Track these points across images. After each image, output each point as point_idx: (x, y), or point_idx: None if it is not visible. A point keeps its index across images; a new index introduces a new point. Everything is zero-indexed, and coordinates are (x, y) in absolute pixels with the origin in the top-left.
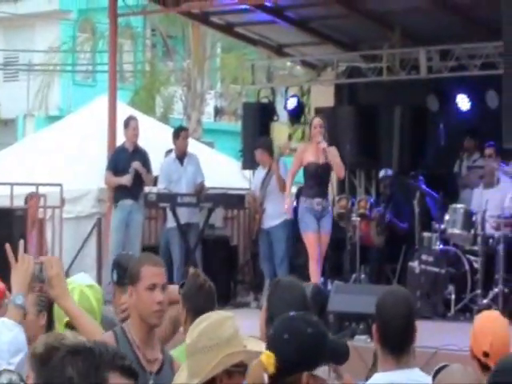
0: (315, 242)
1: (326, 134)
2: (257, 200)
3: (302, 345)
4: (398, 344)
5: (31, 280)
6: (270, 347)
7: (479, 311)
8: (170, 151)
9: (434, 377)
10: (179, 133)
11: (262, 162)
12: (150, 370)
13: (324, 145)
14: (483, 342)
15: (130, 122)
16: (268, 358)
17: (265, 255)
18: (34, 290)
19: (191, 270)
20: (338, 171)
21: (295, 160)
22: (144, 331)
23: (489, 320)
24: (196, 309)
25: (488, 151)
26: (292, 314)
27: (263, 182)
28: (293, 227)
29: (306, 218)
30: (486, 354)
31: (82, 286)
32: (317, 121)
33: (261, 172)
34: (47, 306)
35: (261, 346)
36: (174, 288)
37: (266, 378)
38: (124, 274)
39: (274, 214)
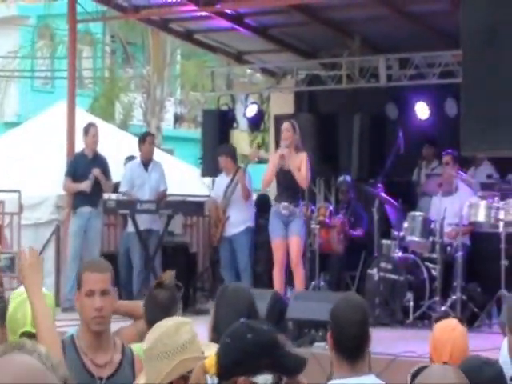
0: (279, 247)
1: (296, 140)
2: (219, 207)
3: (241, 350)
4: (352, 350)
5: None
6: (217, 351)
7: (437, 318)
8: (130, 158)
9: (412, 380)
10: (145, 138)
11: (225, 169)
12: (99, 375)
13: (283, 151)
14: (443, 351)
15: (89, 128)
16: (210, 361)
17: (226, 263)
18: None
19: (166, 273)
20: (299, 180)
21: (269, 166)
22: (91, 336)
23: (448, 329)
24: (152, 320)
25: (446, 159)
26: (243, 320)
27: (226, 189)
28: (254, 235)
29: (273, 223)
30: (445, 364)
31: None
32: (284, 126)
33: (224, 179)
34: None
35: None
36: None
37: (208, 379)
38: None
39: (237, 222)
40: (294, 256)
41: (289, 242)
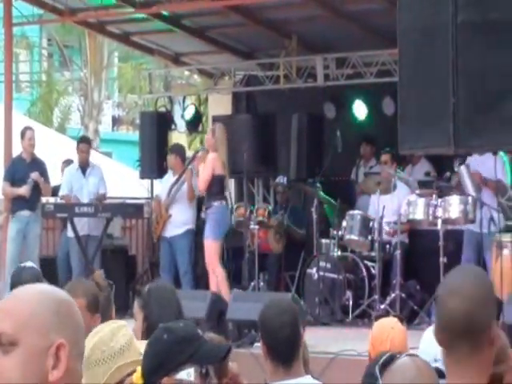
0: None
1: (215, 142)
2: (162, 205)
3: (158, 352)
4: (286, 353)
5: None
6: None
7: (377, 317)
8: (67, 161)
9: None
10: (78, 145)
11: (174, 168)
12: None
13: (198, 153)
14: (381, 350)
15: (25, 132)
16: (137, 374)
17: (165, 264)
18: None
19: (95, 273)
20: (198, 183)
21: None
22: None
23: (386, 327)
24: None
25: (384, 158)
26: (161, 325)
27: (171, 187)
28: (194, 237)
29: None
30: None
31: None
32: (209, 129)
33: (170, 178)
34: None
35: None
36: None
37: None
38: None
39: (178, 222)
40: (207, 258)
41: (205, 243)
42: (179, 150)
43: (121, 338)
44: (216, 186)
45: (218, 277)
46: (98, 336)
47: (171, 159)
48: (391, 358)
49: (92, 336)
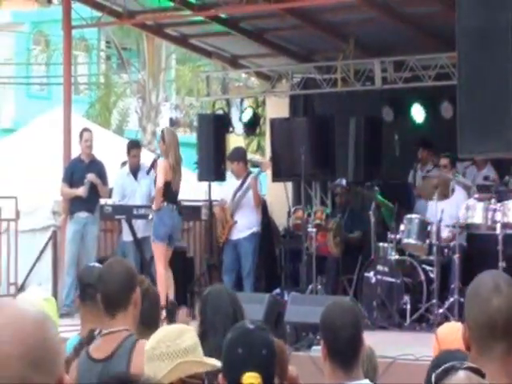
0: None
1: (166, 148)
2: (226, 211)
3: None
4: (346, 355)
5: None
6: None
7: (439, 323)
8: (125, 163)
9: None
10: (129, 150)
11: (238, 173)
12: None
13: (156, 161)
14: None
15: (83, 133)
16: (256, 379)
17: (228, 267)
18: None
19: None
20: None
21: None
22: None
23: (453, 330)
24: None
25: (443, 162)
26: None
27: (235, 193)
28: (259, 240)
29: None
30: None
31: (39, 300)
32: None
33: (233, 182)
34: None
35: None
36: None
37: None
38: (84, 289)
39: (243, 227)
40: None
41: None
42: (241, 155)
43: (188, 339)
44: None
45: (158, 276)
46: (165, 331)
47: (235, 166)
48: (450, 368)
49: (158, 332)
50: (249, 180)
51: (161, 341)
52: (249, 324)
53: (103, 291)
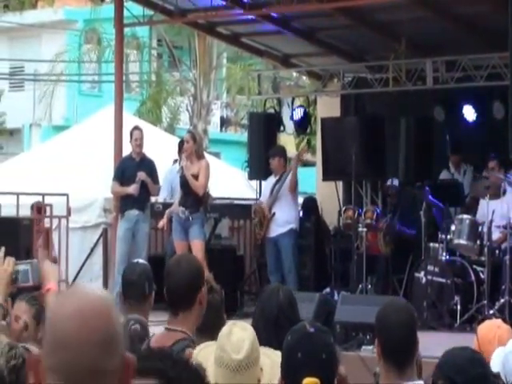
0: (179, 248)
1: (197, 148)
2: (264, 208)
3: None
4: (400, 354)
5: (8, 281)
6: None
7: (480, 321)
8: (176, 160)
9: None
10: (181, 149)
11: (276, 170)
12: None
13: (182, 163)
14: (489, 349)
15: (133, 132)
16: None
17: (272, 266)
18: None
19: (207, 275)
20: (195, 188)
21: None
22: None
23: (493, 327)
24: (206, 323)
25: (491, 165)
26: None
27: (273, 187)
28: (298, 238)
29: (173, 226)
30: None
31: None
32: (184, 137)
33: (271, 180)
34: None
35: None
36: None
37: None
38: (126, 286)
39: (282, 221)
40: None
41: (191, 245)
42: (282, 152)
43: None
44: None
45: None
46: (253, 336)
47: (275, 162)
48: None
49: (246, 333)
50: (285, 175)
51: (254, 347)
52: (309, 327)
53: (168, 288)
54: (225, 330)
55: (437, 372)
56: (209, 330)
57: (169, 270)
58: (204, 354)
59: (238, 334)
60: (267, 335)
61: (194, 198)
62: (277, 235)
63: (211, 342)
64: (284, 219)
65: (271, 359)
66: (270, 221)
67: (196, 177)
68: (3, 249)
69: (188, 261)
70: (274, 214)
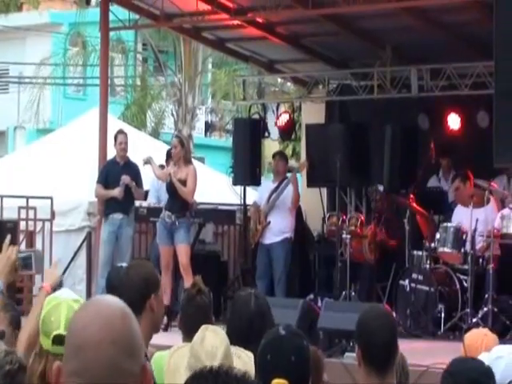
0: (164, 253)
1: (184, 153)
2: (261, 212)
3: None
4: (381, 360)
5: (12, 268)
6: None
7: (467, 329)
8: (161, 166)
9: None
10: (168, 158)
11: (277, 173)
12: None
13: (170, 170)
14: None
15: (117, 136)
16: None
17: (261, 272)
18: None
19: (195, 277)
20: (183, 194)
21: None
22: None
23: (479, 335)
24: (185, 320)
25: (456, 184)
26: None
27: (271, 194)
28: (291, 245)
29: (159, 230)
30: None
31: (68, 301)
32: (172, 142)
33: (269, 184)
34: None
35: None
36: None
37: None
38: (109, 291)
39: (276, 230)
40: (182, 262)
41: (176, 249)
42: (286, 157)
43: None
44: None
45: (190, 279)
46: (226, 341)
47: (280, 164)
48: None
49: (219, 339)
50: (284, 183)
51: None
52: (281, 330)
53: (119, 296)
54: (198, 336)
55: (450, 381)
56: (197, 331)
57: (121, 277)
58: (177, 357)
59: (211, 340)
60: (240, 344)
61: (180, 203)
62: (270, 243)
63: (183, 344)
64: (279, 228)
65: (242, 360)
66: (264, 228)
67: (184, 182)
68: (9, 236)
69: (138, 268)
70: (269, 222)
